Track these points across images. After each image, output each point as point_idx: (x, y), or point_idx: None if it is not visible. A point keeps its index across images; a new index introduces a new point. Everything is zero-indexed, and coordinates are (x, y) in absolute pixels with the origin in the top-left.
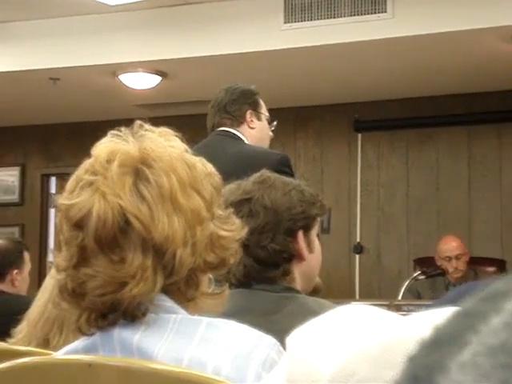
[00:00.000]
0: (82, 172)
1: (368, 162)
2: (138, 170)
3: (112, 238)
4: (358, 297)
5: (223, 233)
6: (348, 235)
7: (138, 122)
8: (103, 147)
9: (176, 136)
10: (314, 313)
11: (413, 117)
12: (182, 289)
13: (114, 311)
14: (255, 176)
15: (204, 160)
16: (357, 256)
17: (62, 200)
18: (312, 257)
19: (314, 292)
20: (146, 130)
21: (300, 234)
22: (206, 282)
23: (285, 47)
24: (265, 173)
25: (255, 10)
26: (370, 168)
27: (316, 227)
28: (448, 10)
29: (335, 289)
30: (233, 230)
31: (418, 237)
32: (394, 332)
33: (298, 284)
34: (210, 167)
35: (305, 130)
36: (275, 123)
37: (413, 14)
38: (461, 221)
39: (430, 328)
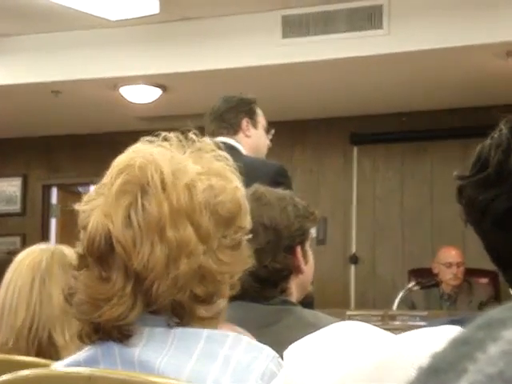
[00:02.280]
0: (103, 179)
1: (364, 175)
2: (137, 192)
3: (101, 254)
4: (353, 307)
5: (215, 267)
6: (344, 246)
7: (191, 133)
8: (124, 156)
9: (217, 152)
10: (310, 325)
11: (408, 130)
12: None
13: (96, 331)
14: (249, 193)
15: (224, 185)
16: (352, 266)
17: (80, 203)
18: (307, 267)
19: (306, 298)
20: (194, 140)
21: (298, 249)
22: (204, 309)
23: (282, 62)
24: (259, 189)
25: (254, 26)
26: (365, 180)
27: (309, 238)
28: (443, 27)
29: (331, 299)
30: (232, 262)
31: (412, 248)
32: (387, 351)
33: (294, 296)
34: (223, 196)
35: (302, 142)
36: (273, 131)
37: (408, 30)
38: (455, 233)
39: (428, 355)
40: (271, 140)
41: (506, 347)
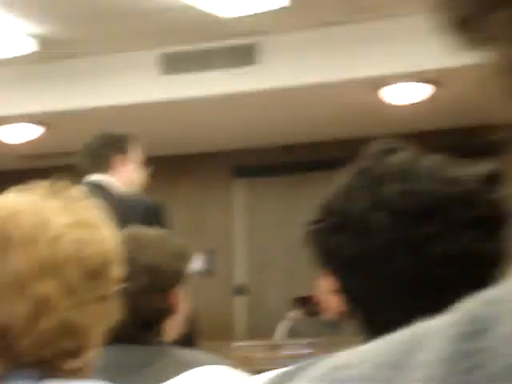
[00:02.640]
0: None
1: (247, 207)
2: None
3: None
4: (239, 338)
5: (83, 320)
6: (229, 277)
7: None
8: None
9: (87, 201)
10: (186, 365)
11: (289, 162)
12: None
13: None
14: (125, 235)
15: (89, 239)
16: (238, 297)
17: None
18: (182, 307)
19: (192, 323)
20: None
21: (175, 289)
22: (71, 361)
23: (163, 98)
24: (135, 230)
25: (133, 63)
26: (249, 212)
27: (185, 277)
28: (317, 62)
29: (217, 330)
30: (101, 314)
31: (297, 277)
32: None
33: (170, 336)
34: (92, 248)
35: (186, 176)
36: (151, 168)
37: (282, 65)
38: None
39: None
40: (153, 175)
41: None
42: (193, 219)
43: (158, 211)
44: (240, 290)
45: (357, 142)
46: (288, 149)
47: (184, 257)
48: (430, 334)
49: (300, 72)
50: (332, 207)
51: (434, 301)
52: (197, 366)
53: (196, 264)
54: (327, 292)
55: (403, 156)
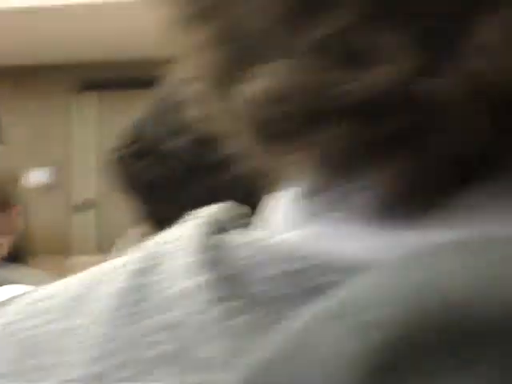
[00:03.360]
0: None
1: (90, 120)
2: None
3: None
4: (84, 252)
5: None
6: (69, 192)
7: None
8: None
9: None
10: (10, 283)
11: (137, 77)
12: None
13: None
14: None
15: None
16: (78, 213)
17: None
18: (15, 224)
19: (24, 240)
20: None
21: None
22: None
23: (5, 7)
24: None
25: None
26: (92, 125)
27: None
28: None
29: (54, 245)
30: None
31: None
32: None
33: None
34: None
35: (30, 88)
36: None
37: None
38: None
39: None
40: None
41: None
42: (36, 132)
43: None
44: (81, 206)
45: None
46: (136, 64)
47: (12, 179)
48: (115, 269)
49: None
50: (136, 133)
51: None
52: (20, 283)
53: (39, 178)
54: None
55: None
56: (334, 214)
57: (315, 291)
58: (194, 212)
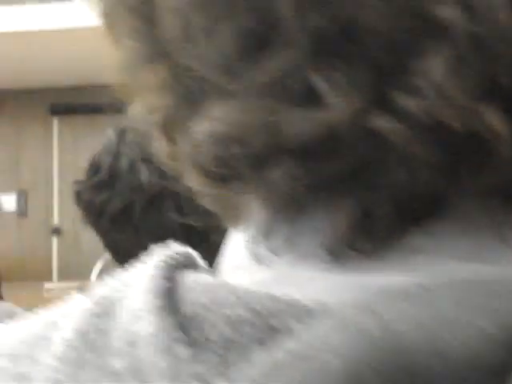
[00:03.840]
0: None
1: (65, 146)
2: None
3: None
4: (55, 279)
5: None
6: (46, 218)
7: None
8: None
9: None
10: None
11: (108, 102)
12: None
13: None
14: None
15: None
16: (55, 238)
17: None
18: None
19: None
20: None
21: None
22: None
23: None
24: None
25: None
26: (67, 151)
27: None
28: None
29: (32, 272)
30: None
31: None
32: None
33: None
34: None
35: (0, 113)
36: None
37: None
38: None
39: None
40: None
41: None
42: (7, 159)
43: None
44: (57, 231)
45: None
46: (100, 88)
47: None
48: (69, 313)
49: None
50: (97, 164)
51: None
52: None
53: (8, 204)
54: None
55: None
56: (285, 257)
57: (270, 336)
58: (150, 249)
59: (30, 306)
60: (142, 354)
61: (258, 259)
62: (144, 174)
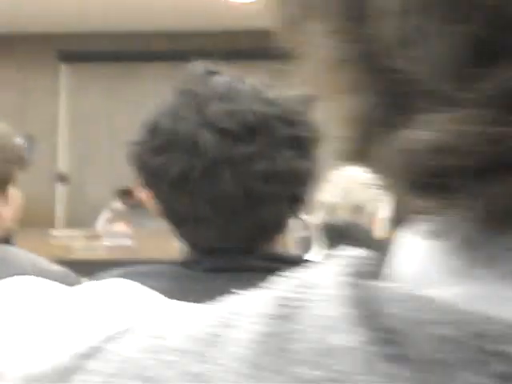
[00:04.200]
0: None
1: (72, 94)
2: None
3: None
4: (61, 226)
5: None
6: (51, 165)
7: None
8: None
9: None
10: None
11: (117, 51)
12: None
13: None
14: None
15: None
16: (59, 186)
17: None
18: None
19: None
20: None
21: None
22: None
23: None
24: None
25: None
26: (74, 99)
27: (14, 180)
28: None
29: (38, 218)
30: None
31: (121, 168)
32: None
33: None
34: None
35: (7, 58)
36: None
37: None
38: None
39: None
40: None
41: None
42: (14, 103)
43: None
44: (63, 179)
45: (187, 35)
46: (117, 37)
47: (15, 162)
48: (244, 312)
49: None
50: (157, 127)
51: (254, 217)
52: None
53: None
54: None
55: (225, 78)
56: (485, 273)
57: (478, 359)
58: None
59: (37, 253)
60: (338, 366)
61: (455, 272)
62: (203, 140)
